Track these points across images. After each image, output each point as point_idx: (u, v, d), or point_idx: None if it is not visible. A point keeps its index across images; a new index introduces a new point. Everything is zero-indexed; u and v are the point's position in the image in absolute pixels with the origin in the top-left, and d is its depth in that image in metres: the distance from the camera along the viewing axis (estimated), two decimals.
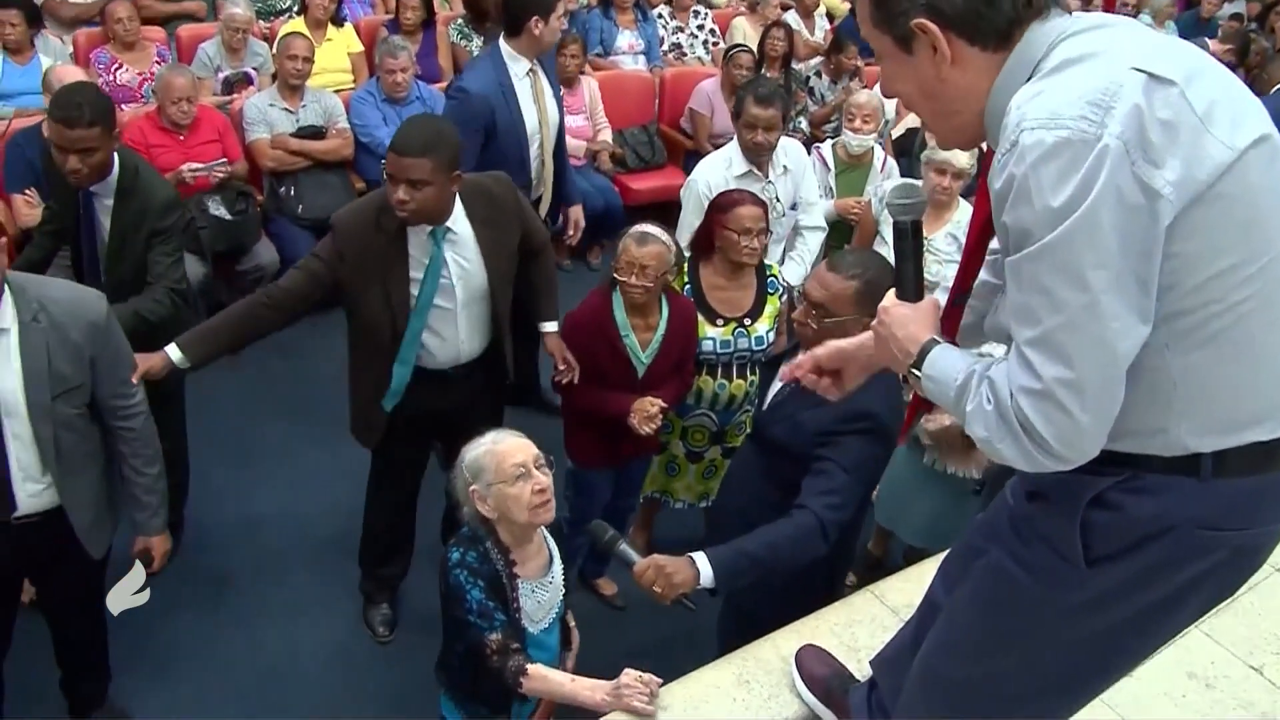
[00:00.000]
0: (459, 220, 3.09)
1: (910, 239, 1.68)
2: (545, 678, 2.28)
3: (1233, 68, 7.32)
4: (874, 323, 1.68)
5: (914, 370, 1.59)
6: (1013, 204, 1.34)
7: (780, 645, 2.59)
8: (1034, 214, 1.31)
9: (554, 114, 4.33)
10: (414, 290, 3.06)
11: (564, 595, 2.56)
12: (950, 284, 1.78)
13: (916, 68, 1.47)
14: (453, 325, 3.18)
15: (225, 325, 3.13)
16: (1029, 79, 1.40)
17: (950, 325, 1.68)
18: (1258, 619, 2.87)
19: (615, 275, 3.25)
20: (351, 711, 3.40)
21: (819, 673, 2.45)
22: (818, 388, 1.93)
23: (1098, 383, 1.34)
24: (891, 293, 1.67)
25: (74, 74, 4.47)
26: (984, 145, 1.57)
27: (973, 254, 1.62)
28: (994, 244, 1.64)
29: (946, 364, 1.54)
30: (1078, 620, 1.62)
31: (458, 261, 3.10)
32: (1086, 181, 1.27)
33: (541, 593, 2.46)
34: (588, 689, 2.27)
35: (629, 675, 2.23)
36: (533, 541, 2.45)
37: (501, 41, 4.16)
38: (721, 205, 3.43)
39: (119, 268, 3.37)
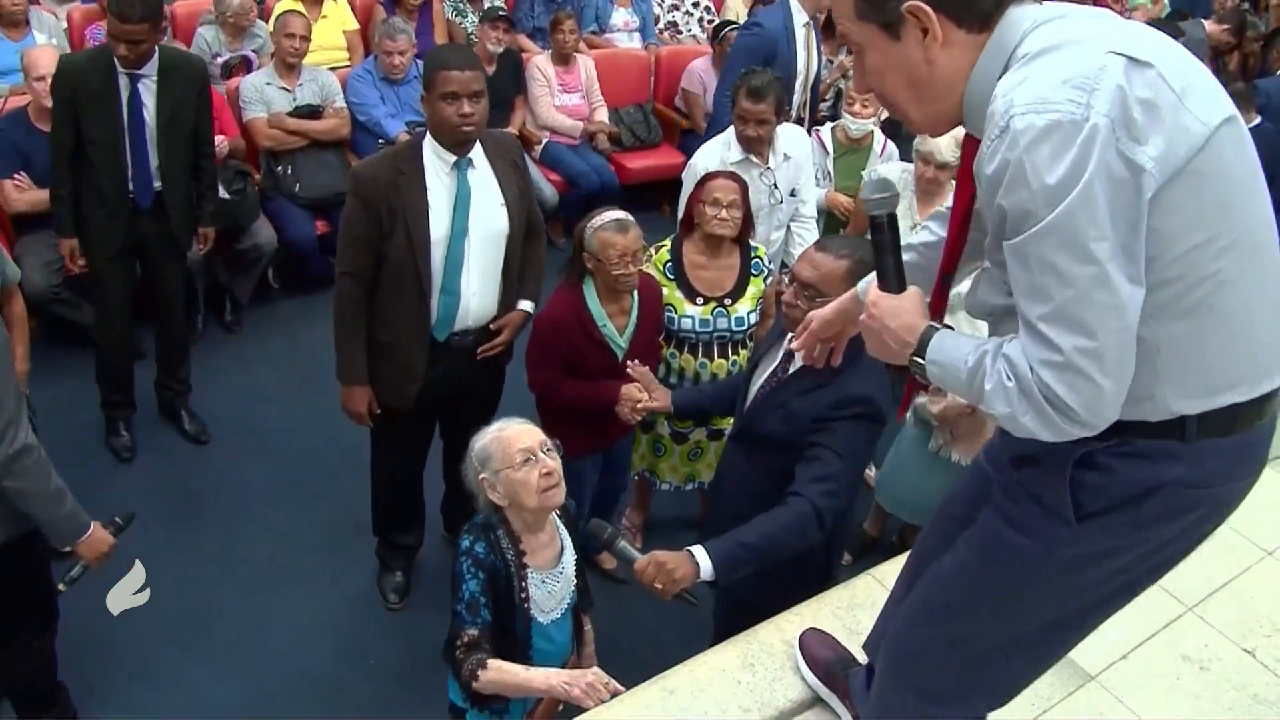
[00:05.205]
0: (478, 156, 3.19)
1: (888, 231, 1.70)
2: (501, 668, 2.23)
3: (1230, 48, 7.33)
4: (862, 317, 1.72)
5: (916, 358, 1.62)
6: (1009, 187, 1.39)
7: (784, 629, 2.63)
8: (1032, 194, 1.36)
9: (815, 64, 5.15)
10: (433, 230, 3.12)
11: (575, 587, 2.55)
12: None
13: (904, 53, 1.50)
14: (462, 275, 3.21)
15: (359, 330, 3.27)
16: (1006, 65, 1.45)
17: (937, 303, 1.72)
18: (1250, 602, 2.93)
19: (609, 270, 3.18)
20: (356, 687, 3.44)
21: (821, 655, 2.49)
22: (821, 361, 2.08)
23: (1115, 347, 1.40)
24: (874, 286, 1.71)
25: (48, 55, 4.44)
26: (963, 132, 1.61)
27: (958, 235, 1.66)
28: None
29: (952, 348, 1.58)
30: (1069, 574, 1.69)
31: (477, 196, 3.18)
32: (1080, 159, 1.33)
33: (553, 583, 2.46)
34: (542, 676, 2.23)
35: (596, 674, 2.17)
36: (544, 530, 2.46)
37: None
38: (699, 181, 3.57)
39: (173, 134, 3.98)
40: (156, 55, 3.87)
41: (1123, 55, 1.36)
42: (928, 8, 1.45)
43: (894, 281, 1.69)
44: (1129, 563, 1.68)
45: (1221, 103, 1.44)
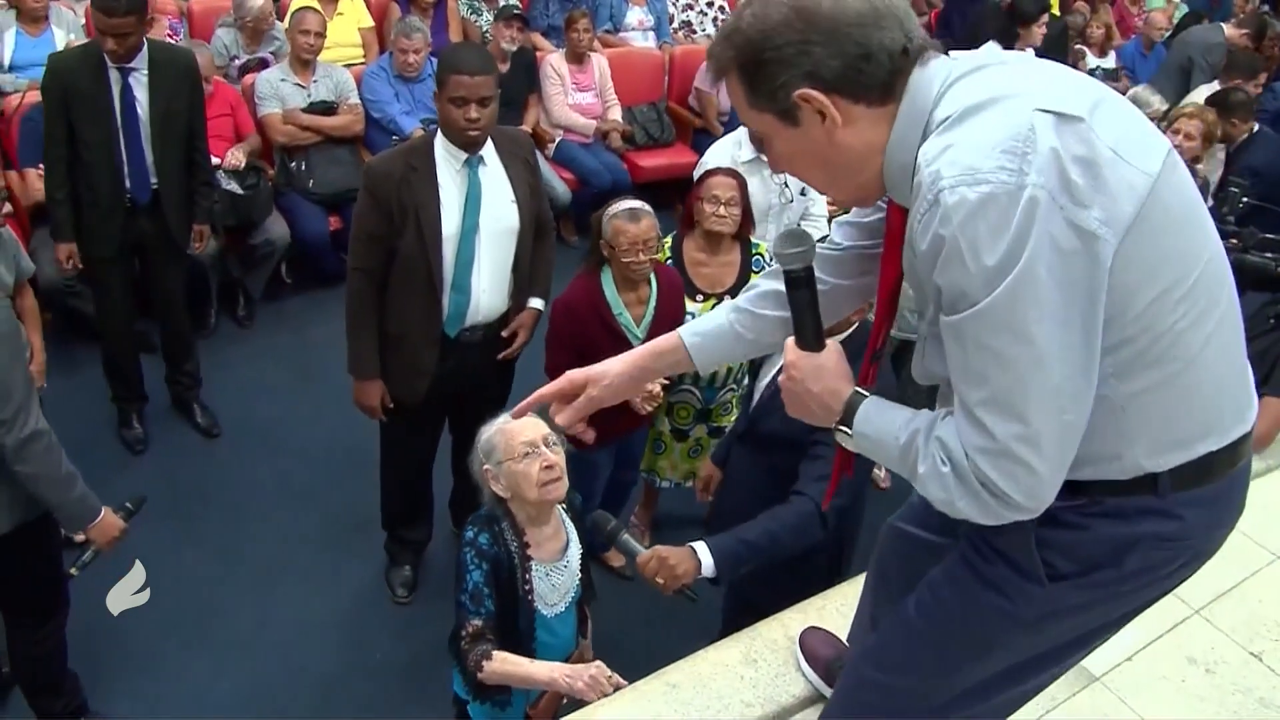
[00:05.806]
0: (489, 154, 3.20)
1: (805, 287, 1.59)
2: (505, 659, 2.26)
3: (1249, 51, 7.28)
4: (781, 378, 1.62)
5: (843, 428, 1.55)
6: (943, 265, 1.30)
7: (788, 625, 2.62)
8: (968, 274, 1.27)
9: None
10: (444, 227, 3.13)
11: (579, 580, 2.55)
12: None
13: (807, 137, 1.42)
14: (473, 272, 3.22)
15: (371, 326, 3.30)
16: (925, 128, 1.37)
17: (868, 378, 1.65)
18: (1258, 606, 2.91)
19: (619, 258, 3.23)
20: (358, 683, 3.44)
21: (822, 653, 2.49)
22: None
23: (1054, 433, 1.33)
24: (791, 343, 1.61)
25: None
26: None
27: (886, 314, 1.60)
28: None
29: (882, 421, 1.50)
30: (1043, 627, 1.62)
31: (488, 193, 3.19)
32: (1019, 236, 1.24)
33: (556, 576, 2.46)
34: (546, 669, 2.24)
35: (600, 668, 2.18)
36: (549, 523, 2.46)
37: None
38: (699, 178, 3.59)
39: (168, 130, 3.99)
40: (146, 48, 3.90)
41: (1050, 112, 1.28)
42: (816, 93, 1.36)
43: (812, 339, 1.59)
44: (1108, 623, 1.64)
45: (1156, 144, 1.37)
